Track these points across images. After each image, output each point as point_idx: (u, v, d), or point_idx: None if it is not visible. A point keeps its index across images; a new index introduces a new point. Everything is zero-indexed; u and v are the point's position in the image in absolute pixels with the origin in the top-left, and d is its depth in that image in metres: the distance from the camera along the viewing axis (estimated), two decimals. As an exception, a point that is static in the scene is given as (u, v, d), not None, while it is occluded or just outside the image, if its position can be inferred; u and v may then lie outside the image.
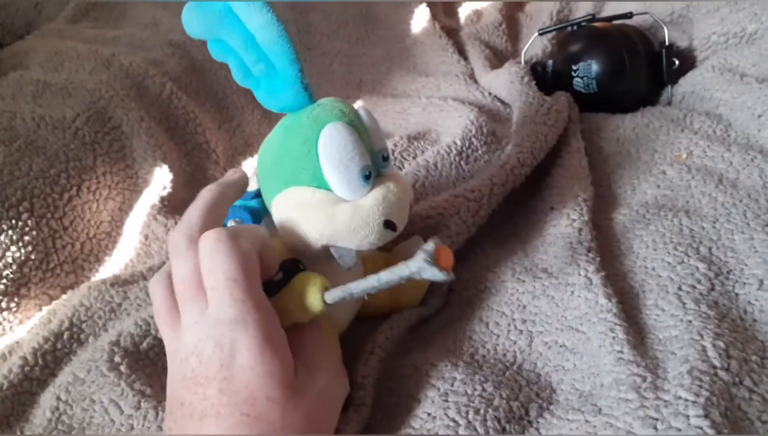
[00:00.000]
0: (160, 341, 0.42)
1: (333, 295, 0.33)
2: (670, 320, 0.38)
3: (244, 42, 0.35)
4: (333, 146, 0.35)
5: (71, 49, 0.70)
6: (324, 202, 0.35)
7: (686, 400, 0.31)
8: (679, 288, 0.41)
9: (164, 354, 0.42)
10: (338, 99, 0.37)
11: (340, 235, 0.35)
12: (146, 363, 0.40)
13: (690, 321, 0.37)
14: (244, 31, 0.35)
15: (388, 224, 0.36)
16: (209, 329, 0.31)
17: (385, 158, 0.37)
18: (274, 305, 0.33)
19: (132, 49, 0.72)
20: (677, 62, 0.68)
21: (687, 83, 0.68)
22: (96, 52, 0.69)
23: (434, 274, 0.31)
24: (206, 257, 0.31)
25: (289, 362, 0.32)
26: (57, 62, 0.68)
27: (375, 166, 0.36)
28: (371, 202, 0.35)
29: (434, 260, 0.31)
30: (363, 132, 0.36)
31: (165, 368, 0.41)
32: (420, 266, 0.31)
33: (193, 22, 0.37)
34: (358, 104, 0.77)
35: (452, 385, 0.37)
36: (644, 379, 0.33)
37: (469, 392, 0.36)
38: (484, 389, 0.36)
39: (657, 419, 0.30)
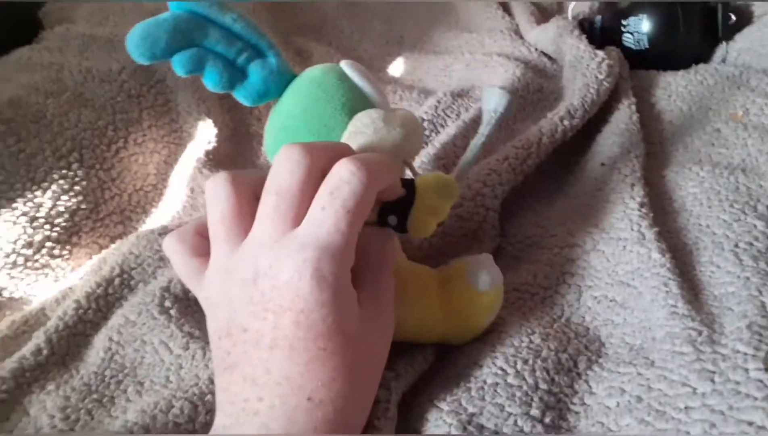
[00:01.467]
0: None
1: (460, 170, 0.36)
2: (727, 276, 0.37)
3: (227, 36, 0.35)
4: (358, 69, 0.35)
5: (116, 3, 0.71)
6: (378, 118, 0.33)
7: (745, 354, 0.30)
8: (736, 245, 0.40)
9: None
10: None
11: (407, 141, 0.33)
12: (195, 309, 0.41)
13: (748, 278, 0.36)
14: (221, 28, 0.35)
15: None
16: (292, 251, 0.28)
17: None
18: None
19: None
20: (733, 17, 0.65)
21: (743, 39, 0.65)
22: (141, 6, 0.69)
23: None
24: (339, 178, 0.28)
25: (365, 299, 0.31)
26: (102, 16, 0.68)
27: None
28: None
29: None
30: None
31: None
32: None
33: (159, 42, 0.33)
34: (398, 61, 0.76)
35: (499, 337, 0.37)
36: (700, 333, 0.33)
37: (516, 343, 0.36)
38: (531, 341, 0.36)
39: (714, 372, 0.30)
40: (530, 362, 0.34)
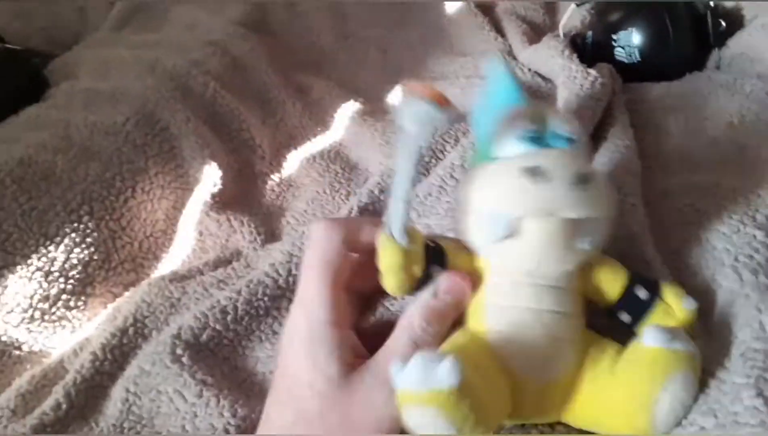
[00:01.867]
0: (219, 332, 0.44)
1: (398, 227, 0.32)
2: (729, 295, 0.37)
3: None
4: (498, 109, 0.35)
5: (117, 57, 0.73)
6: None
7: (740, 384, 0.30)
8: (736, 259, 0.40)
9: (224, 345, 0.44)
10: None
11: (473, 191, 0.33)
12: (206, 354, 0.42)
13: (747, 295, 0.36)
14: None
15: (528, 171, 0.30)
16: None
17: (568, 139, 0.33)
18: None
19: (174, 51, 0.74)
20: (724, 24, 0.66)
21: (735, 45, 0.66)
22: (140, 58, 0.71)
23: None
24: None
25: (339, 357, 0.32)
26: (104, 70, 0.70)
27: (551, 140, 0.33)
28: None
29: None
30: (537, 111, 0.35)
31: (225, 358, 0.44)
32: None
33: None
34: (396, 90, 0.77)
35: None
36: (712, 374, 0.32)
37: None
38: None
39: (716, 408, 0.30)
40: None
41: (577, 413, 0.33)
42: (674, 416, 0.30)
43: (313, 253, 0.36)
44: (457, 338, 0.33)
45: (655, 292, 0.34)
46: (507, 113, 0.34)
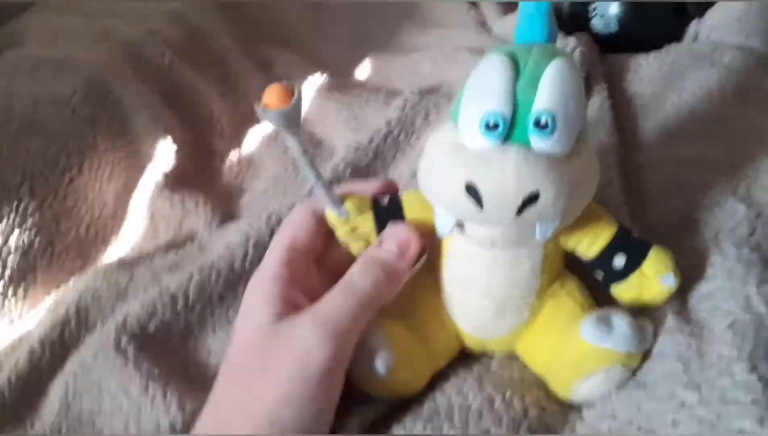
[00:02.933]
0: (168, 321, 0.40)
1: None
2: (710, 269, 0.35)
3: None
4: (473, 76, 0.30)
5: (68, 24, 0.68)
6: (439, 137, 0.31)
7: (729, 357, 0.28)
8: (717, 233, 0.38)
9: (173, 335, 0.41)
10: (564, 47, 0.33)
11: (422, 176, 0.31)
12: (154, 345, 0.39)
13: (731, 268, 0.34)
14: None
15: (470, 190, 0.28)
16: None
17: (543, 126, 0.28)
18: None
19: (130, 19, 0.69)
20: (704, -6, 0.63)
21: (715, 15, 0.64)
22: (93, 25, 0.67)
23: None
24: None
25: (273, 307, 0.31)
26: (53, 38, 0.66)
27: (521, 127, 0.28)
28: (452, 149, 0.30)
29: None
30: (527, 80, 0.29)
31: (173, 350, 0.40)
32: None
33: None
34: (365, 63, 0.74)
35: (488, 367, 0.35)
36: (689, 346, 0.30)
37: (506, 375, 0.34)
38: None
39: (700, 382, 0.28)
40: (519, 390, 0.32)
41: (522, 351, 0.35)
42: (591, 400, 0.32)
43: (283, 228, 0.36)
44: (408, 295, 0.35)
45: (635, 260, 0.33)
46: (483, 78, 0.30)
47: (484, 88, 0.29)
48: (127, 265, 0.47)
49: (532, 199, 0.28)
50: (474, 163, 0.28)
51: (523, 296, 0.33)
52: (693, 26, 0.64)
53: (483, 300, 0.34)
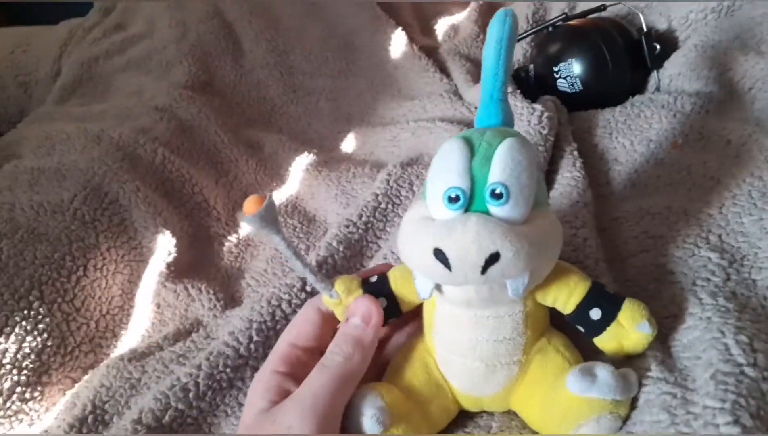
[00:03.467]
0: (182, 411, 0.42)
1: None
2: (690, 319, 0.37)
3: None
4: (436, 158, 0.34)
5: (61, 131, 0.71)
6: (412, 211, 0.35)
7: (713, 408, 0.30)
8: (693, 283, 0.40)
9: (188, 424, 0.42)
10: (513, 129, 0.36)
11: (399, 247, 0.35)
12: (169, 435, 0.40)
13: (709, 318, 0.36)
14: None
15: (438, 254, 0.32)
16: None
17: (497, 196, 0.32)
18: None
19: (119, 120, 0.73)
20: (659, 47, 0.67)
21: (672, 66, 0.67)
22: (85, 130, 0.70)
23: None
24: None
25: (270, 395, 0.35)
26: (48, 147, 0.69)
27: (479, 198, 0.32)
28: (422, 221, 0.33)
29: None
30: (481, 158, 0.33)
31: (189, 440, 0.42)
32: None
33: None
34: (349, 137, 0.78)
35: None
36: (674, 396, 0.32)
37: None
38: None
39: (688, 434, 0.29)
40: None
41: (516, 408, 0.38)
42: None
43: (288, 326, 0.40)
44: (401, 359, 0.39)
45: (610, 313, 0.35)
46: (443, 158, 0.34)
47: (444, 168, 0.33)
48: (138, 357, 0.49)
49: (493, 258, 0.31)
50: (440, 231, 0.32)
51: (509, 354, 0.36)
52: (653, 78, 0.68)
53: (472, 360, 0.36)
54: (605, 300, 0.36)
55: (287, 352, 0.38)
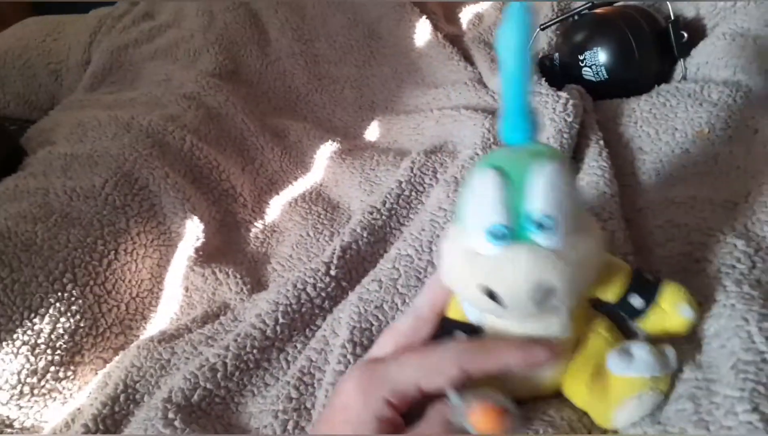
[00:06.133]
0: (210, 391, 0.44)
1: None
2: (715, 307, 0.37)
3: None
4: (468, 191, 0.33)
5: (93, 119, 0.73)
6: (453, 241, 0.35)
7: (732, 397, 0.30)
8: (719, 271, 0.40)
9: (216, 404, 0.44)
10: (545, 144, 0.36)
11: (445, 279, 0.35)
12: (199, 415, 0.42)
13: (733, 305, 0.36)
14: None
15: (489, 294, 0.32)
16: None
17: (542, 226, 0.31)
18: None
19: (149, 108, 0.74)
20: (686, 35, 0.67)
21: (699, 54, 0.67)
22: (116, 118, 0.71)
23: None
24: None
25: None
26: (81, 133, 0.71)
27: (522, 229, 0.31)
28: (466, 255, 0.33)
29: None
30: (518, 187, 0.31)
31: (218, 417, 0.43)
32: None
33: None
34: (373, 125, 0.78)
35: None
36: (700, 388, 0.33)
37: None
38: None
39: (709, 421, 0.30)
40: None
41: (566, 392, 0.37)
42: (631, 423, 0.34)
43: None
44: None
45: (651, 298, 0.36)
46: (478, 198, 0.33)
47: (480, 204, 0.32)
48: (167, 339, 0.51)
49: (547, 293, 0.31)
50: (488, 269, 0.32)
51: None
52: (680, 66, 0.67)
53: None
54: (644, 286, 0.36)
55: None
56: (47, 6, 1.18)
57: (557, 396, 0.38)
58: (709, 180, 0.50)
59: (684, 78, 0.66)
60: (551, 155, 0.33)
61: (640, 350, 0.34)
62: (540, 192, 0.31)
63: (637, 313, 0.37)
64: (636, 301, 0.36)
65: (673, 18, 0.67)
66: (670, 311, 0.36)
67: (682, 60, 0.67)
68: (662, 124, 0.58)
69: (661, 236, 0.46)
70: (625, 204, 0.50)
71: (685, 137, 0.56)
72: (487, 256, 0.32)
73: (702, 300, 0.39)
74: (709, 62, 0.65)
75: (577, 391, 0.37)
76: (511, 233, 0.31)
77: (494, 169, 0.32)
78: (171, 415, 0.41)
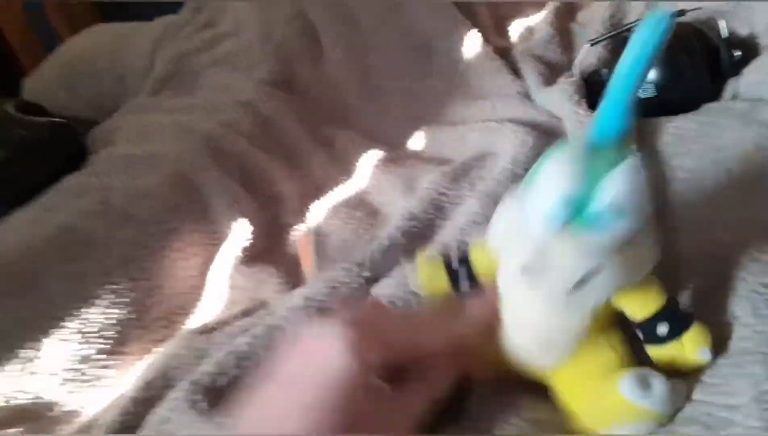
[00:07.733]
0: (236, 377, 0.45)
1: None
2: (744, 329, 0.37)
3: None
4: (545, 168, 0.34)
5: (155, 122, 0.77)
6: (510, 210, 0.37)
7: (755, 428, 0.30)
8: (753, 291, 0.40)
9: (240, 390, 0.46)
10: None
11: (494, 243, 0.38)
12: (223, 399, 0.44)
13: (763, 330, 0.36)
14: None
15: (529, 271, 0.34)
16: None
17: (607, 215, 0.32)
18: None
19: (208, 113, 0.78)
20: (739, 53, 0.65)
21: (753, 72, 0.65)
22: (176, 122, 0.76)
23: None
24: None
25: None
26: (142, 135, 0.75)
27: (583, 214, 0.33)
28: (520, 225, 0.35)
29: None
30: (593, 178, 0.32)
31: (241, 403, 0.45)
32: None
33: None
34: (418, 135, 0.79)
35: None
36: (711, 414, 0.33)
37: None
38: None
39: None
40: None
41: (558, 386, 0.38)
42: None
43: None
44: None
45: (676, 332, 0.36)
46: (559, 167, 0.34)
47: (552, 183, 0.33)
48: (207, 331, 0.53)
49: (588, 275, 0.32)
50: (543, 242, 0.33)
51: (567, 343, 0.37)
52: (731, 85, 0.66)
53: (532, 343, 0.37)
54: (675, 318, 0.36)
55: None
56: (113, 9, 1.24)
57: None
58: (750, 199, 0.49)
59: (734, 97, 0.65)
60: (632, 153, 0.34)
61: (659, 384, 0.34)
62: (617, 181, 0.32)
63: (657, 340, 0.36)
64: (661, 328, 0.36)
65: (725, 36, 0.66)
66: (690, 350, 0.36)
67: (732, 78, 0.66)
68: (707, 144, 0.57)
69: (696, 251, 0.45)
70: (662, 221, 0.49)
71: (729, 157, 0.55)
72: (543, 230, 0.33)
73: (731, 320, 0.39)
74: (762, 82, 0.64)
75: (572, 394, 0.37)
76: (572, 215, 0.32)
77: (574, 156, 0.33)
78: (197, 396, 0.43)
